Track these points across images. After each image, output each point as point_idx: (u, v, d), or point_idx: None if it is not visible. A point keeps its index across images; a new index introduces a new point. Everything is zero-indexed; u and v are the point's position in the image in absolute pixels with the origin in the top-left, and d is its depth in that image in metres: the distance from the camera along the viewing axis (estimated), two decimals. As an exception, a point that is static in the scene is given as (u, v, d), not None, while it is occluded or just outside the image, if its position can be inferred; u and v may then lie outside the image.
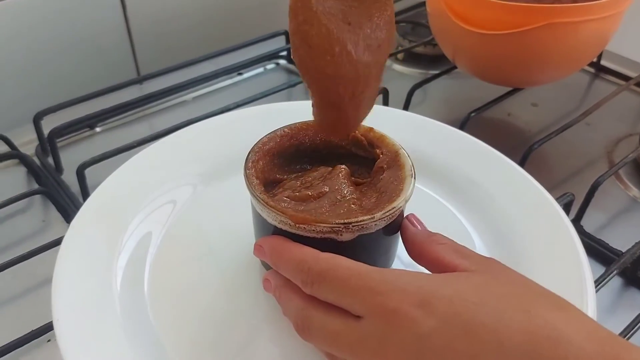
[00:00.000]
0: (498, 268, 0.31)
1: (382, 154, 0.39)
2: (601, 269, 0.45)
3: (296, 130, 0.40)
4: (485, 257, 0.32)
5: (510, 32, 0.52)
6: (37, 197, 0.53)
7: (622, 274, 0.47)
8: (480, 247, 0.42)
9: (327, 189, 0.36)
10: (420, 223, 0.37)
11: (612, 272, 0.44)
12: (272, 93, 0.63)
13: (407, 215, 0.37)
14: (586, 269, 0.38)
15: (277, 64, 0.73)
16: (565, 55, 0.55)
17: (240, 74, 0.71)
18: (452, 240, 0.34)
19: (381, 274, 0.29)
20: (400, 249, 0.37)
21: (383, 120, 0.50)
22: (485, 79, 0.61)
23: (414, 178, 0.36)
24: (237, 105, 0.59)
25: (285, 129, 0.40)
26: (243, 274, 0.39)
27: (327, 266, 0.30)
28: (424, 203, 0.45)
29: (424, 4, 0.89)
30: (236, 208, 0.40)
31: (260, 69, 0.72)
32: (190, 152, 0.47)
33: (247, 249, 0.40)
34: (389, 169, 0.38)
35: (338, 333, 0.29)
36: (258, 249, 0.35)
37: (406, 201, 0.35)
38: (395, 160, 0.38)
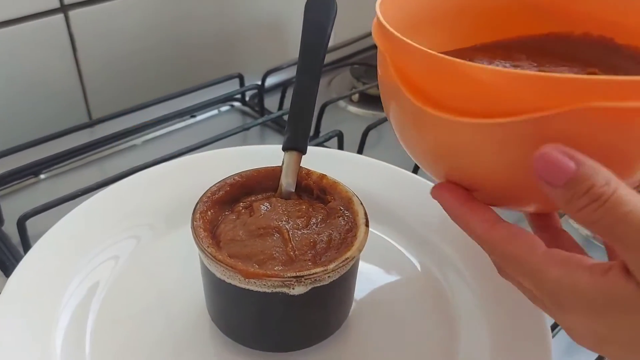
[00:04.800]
0: None
1: (333, 200, 0.38)
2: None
3: (247, 178, 0.39)
4: None
5: (515, 121, 0.26)
6: (-25, 249, 0.50)
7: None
8: (433, 292, 0.42)
9: (274, 224, 0.35)
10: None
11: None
12: (227, 136, 0.62)
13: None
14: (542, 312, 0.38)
15: (232, 106, 0.72)
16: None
17: (193, 116, 0.69)
18: None
19: None
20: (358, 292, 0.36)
21: (337, 164, 0.50)
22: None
23: (367, 226, 0.36)
24: (189, 150, 0.58)
25: (236, 177, 0.39)
26: (191, 329, 0.38)
27: None
28: (378, 248, 0.45)
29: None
30: (185, 260, 0.39)
31: (215, 111, 0.71)
32: (136, 202, 0.45)
33: (196, 303, 0.38)
34: (343, 214, 0.37)
35: None
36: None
37: (360, 250, 0.34)
38: (348, 207, 0.37)
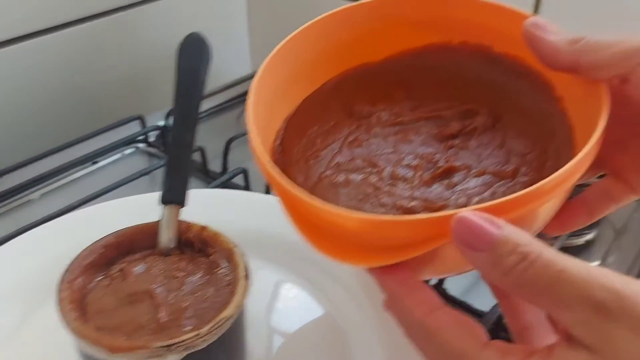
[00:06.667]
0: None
1: (214, 252, 0.36)
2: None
3: (123, 237, 0.37)
4: None
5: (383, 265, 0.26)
6: None
7: (486, 336, 0.47)
8: (335, 335, 0.41)
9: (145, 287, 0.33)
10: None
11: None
12: (129, 181, 0.60)
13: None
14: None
15: (137, 148, 0.70)
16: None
17: (95, 162, 0.67)
18: None
19: None
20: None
21: (236, 205, 0.49)
22: None
23: (248, 279, 0.34)
24: (90, 199, 0.55)
25: (110, 238, 0.37)
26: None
27: None
28: (279, 292, 0.44)
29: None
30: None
31: (118, 155, 0.68)
32: (7, 275, 0.42)
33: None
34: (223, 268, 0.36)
35: None
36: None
37: (239, 307, 0.33)
38: (229, 260, 0.36)
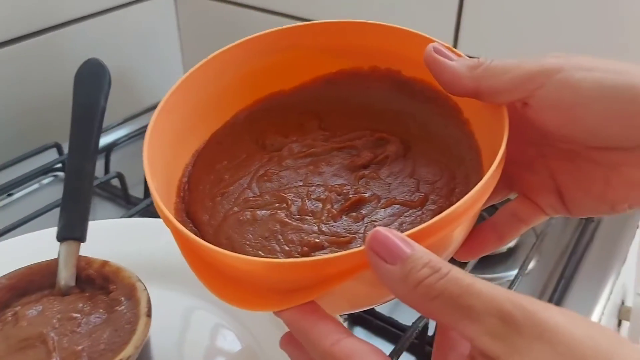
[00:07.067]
0: None
1: (115, 289, 0.35)
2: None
3: (17, 279, 0.35)
4: None
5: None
6: None
7: (411, 351, 0.47)
8: (250, 358, 0.40)
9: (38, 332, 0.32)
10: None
11: (399, 351, 0.43)
12: (50, 210, 0.57)
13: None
14: None
15: (55, 176, 0.67)
16: None
17: (10, 194, 0.64)
18: None
19: None
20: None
21: (149, 234, 0.48)
22: None
23: (149, 316, 0.33)
24: (5, 232, 0.53)
25: (3, 280, 0.35)
26: None
27: None
28: (191, 322, 0.42)
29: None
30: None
31: (36, 185, 0.66)
32: None
33: None
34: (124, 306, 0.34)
35: None
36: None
37: (138, 347, 0.32)
38: (131, 296, 0.34)
